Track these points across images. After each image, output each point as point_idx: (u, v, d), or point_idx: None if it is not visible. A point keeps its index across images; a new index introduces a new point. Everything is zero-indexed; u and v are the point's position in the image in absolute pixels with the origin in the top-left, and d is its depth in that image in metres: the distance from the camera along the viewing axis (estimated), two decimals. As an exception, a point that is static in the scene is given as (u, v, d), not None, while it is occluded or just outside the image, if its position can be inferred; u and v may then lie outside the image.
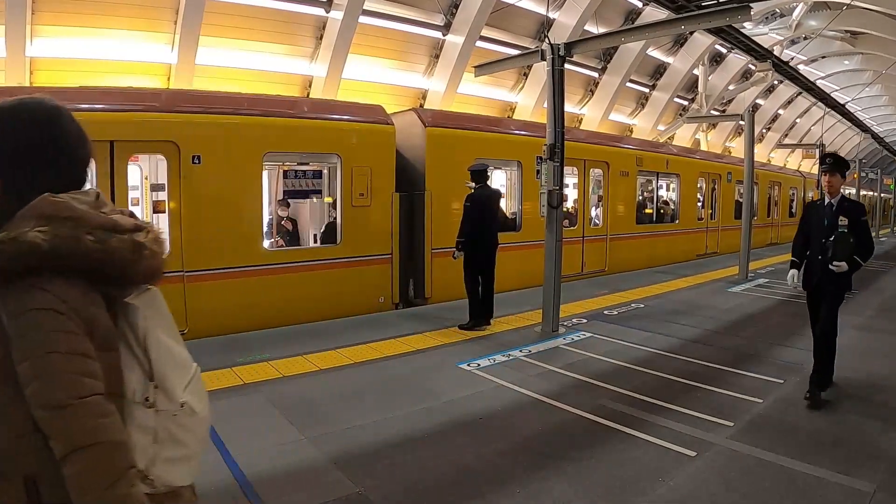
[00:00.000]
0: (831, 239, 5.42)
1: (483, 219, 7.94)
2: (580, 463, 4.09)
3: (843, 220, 5.41)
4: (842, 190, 5.73)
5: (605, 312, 9.01)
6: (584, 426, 4.75)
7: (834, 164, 5.60)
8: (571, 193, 14.05)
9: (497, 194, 8.52)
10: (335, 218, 9.27)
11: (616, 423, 4.77)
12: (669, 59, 23.70)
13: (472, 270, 7.99)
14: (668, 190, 18.23)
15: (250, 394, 5.40)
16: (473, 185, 8.03)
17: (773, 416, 4.97)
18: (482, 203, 7.93)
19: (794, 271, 5.94)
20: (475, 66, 10.47)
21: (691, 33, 21.40)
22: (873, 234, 5.99)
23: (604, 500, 3.64)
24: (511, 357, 6.66)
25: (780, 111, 33.74)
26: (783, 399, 5.38)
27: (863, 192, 32.64)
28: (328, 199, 10.09)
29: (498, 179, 13.99)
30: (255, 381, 5.71)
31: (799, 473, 3.92)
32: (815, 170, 22.62)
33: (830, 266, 5.41)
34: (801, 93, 29.12)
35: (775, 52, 22.66)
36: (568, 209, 13.08)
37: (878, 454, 4.26)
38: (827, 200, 5.66)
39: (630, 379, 5.93)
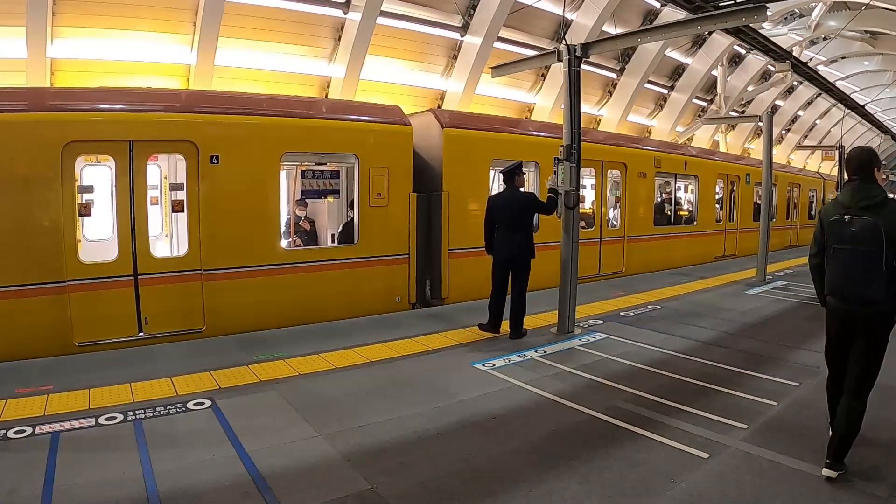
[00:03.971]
0: None
1: (497, 224, 7.59)
2: (593, 463, 4.10)
3: None
4: None
5: (622, 314, 8.98)
6: (597, 427, 4.76)
7: None
8: (589, 195, 14.01)
9: (524, 198, 7.76)
10: (352, 218, 9.32)
11: (630, 424, 4.77)
12: (688, 60, 23.54)
13: (497, 278, 7.69)
14: (686, 191, 18.12)
15: (266, 391, 5.47)
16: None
17: (787, 419, 4.94)
18: (497, 206, 7.63)
19: None
20: (493, 67, 10.46)
21: (710, 34, 21.25)
22: None
23: (616, 501, 3.65)
24: (526, 357, 6.67)
25: (800, 112, 33.33)
26: (798, 402, 5.34)
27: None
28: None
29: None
30: (271, 379, 5.78)
31: (812, 477, 3.90)
32: (835, 171, 22.34)
33: None
34: (820, 94, 28.77)
35: (794, 53, 22.43)
36: (585, 210, 13.05)
37: (892, 458, 4.22)
38: None
39: (645, 380, 5.92)
